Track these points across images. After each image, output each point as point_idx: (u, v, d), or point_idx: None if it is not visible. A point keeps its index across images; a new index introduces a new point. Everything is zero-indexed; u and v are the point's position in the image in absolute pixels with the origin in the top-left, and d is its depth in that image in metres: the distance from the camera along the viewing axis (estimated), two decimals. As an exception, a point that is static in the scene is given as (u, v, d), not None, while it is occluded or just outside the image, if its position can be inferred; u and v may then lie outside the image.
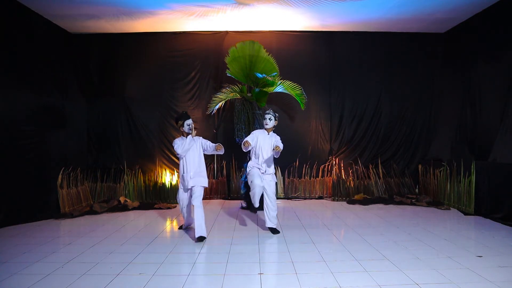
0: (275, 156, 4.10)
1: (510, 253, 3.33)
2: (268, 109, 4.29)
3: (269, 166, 4.16)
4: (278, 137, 4.23)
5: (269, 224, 4.14)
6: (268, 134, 4.21)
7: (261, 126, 4.84)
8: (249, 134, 4.39)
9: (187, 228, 4.38)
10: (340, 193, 6.34)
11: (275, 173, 4.45)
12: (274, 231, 4.14)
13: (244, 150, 4.10)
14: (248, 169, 4.21)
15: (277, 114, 4.31)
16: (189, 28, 6.36)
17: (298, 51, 6.57)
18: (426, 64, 6.64)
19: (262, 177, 4.07)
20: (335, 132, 6.66)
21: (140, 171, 6.34)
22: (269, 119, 4.18)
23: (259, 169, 4.12)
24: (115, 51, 6.54)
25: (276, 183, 4.39)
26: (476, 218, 4.83)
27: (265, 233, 4.18)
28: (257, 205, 4.11)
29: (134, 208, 5.68)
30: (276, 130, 4.33)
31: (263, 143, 4.15)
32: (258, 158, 4.16)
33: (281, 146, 3.99)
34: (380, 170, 6.49)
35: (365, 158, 6.62)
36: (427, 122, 6.67)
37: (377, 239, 3.85)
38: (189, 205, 4.10)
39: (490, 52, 5.31)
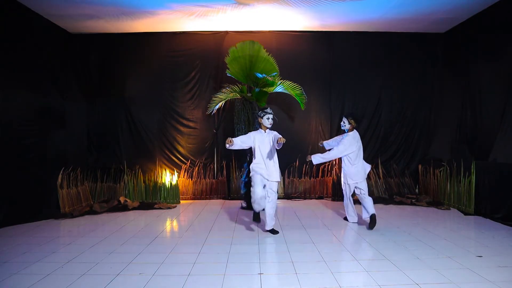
0: (277, 148, 4.02)
1: (510, 253, 3.34)
2: (266, 108, 4.23)
3: (273, 166, 4.08)
4: (275, 132, 4.18)
5: (268, 227, 4.14)
6: (265, 132, 4.17)
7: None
8: None
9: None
10: (340, 193, 6.31)
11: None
12: (273, 231, 4.14)
13: (227, 147, 3.99)
14: (251, 172, 4.11)
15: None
16: (189, 28, 6.36)
17: (298, 51, 6.56)
18: (426, 64, 6.63)
19: (266, 183, 4.04)
20: (335, 132, 6.64)
21: (140, 171, 6.33)
22: (272, 118, 4.15)
23: (262, 175, 4.03)
24: (115, 51, 6.54)
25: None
26: (476, 218, 4.83)
27: (265, 233, 4.17)
28: (258, 209, 4.06)
29: (134, 208, 5.68)
30: (276, 130, 4.31)
31: (263, 143, 4.11)
32: (261, 158, 4.08)
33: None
34: (380, 170, 6.48)
35: (365, 158, 6.54)
36: (427, 122, 6.67)
37: (377, 239, 3.86)
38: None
39: (490, 52, 5.31)
